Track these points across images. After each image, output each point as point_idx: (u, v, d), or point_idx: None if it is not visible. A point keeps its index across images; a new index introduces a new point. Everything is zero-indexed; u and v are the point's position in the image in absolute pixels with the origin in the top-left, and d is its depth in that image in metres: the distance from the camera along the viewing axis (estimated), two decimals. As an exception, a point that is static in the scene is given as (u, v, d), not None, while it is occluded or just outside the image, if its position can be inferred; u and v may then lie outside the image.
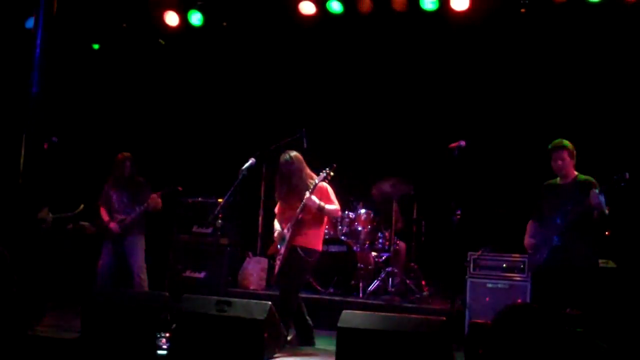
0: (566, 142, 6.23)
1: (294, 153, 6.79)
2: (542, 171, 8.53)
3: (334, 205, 6.67)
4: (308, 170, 6.74)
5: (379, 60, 9.66)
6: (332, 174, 6.53)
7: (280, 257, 6.64)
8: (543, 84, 8.89)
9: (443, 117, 9.37)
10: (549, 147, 6.26)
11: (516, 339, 2.38)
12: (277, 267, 6.68)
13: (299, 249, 6.56)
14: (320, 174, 6.52)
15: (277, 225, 6.87)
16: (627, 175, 5.78)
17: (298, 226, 6.57)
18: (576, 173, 6.27)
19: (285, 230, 6.64)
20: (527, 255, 7.35)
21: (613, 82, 8.47)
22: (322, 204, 6.53)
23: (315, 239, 6.65)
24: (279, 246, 6.74)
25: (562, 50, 8.69)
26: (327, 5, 8.83)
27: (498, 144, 9.12)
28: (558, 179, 6.34)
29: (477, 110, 9.28)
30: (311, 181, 6.60)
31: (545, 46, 8.71)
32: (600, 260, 6.72)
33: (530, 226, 6.50)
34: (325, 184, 6.62)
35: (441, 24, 8.74)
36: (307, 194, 6.47)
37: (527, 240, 6.44)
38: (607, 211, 5.93)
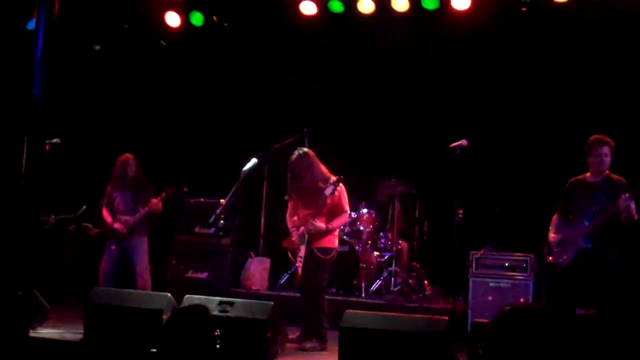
0: (609, 138, 6.02)
1: (305, 150, 6.76)
2: (543, 170, 8.57)
3: (340, 218, 6.72)
4: (322, 168, 6.70)
5: (382, 59, 9.65)
6: (338, 187, 6.52)
7: (300, 259, 6.65)
8: (544, 83, 8.87)
9: (445, 117, 9.36)
10: (592, 141, 6.03)
11: (517, 340, 2.36)
12: (299, 270, 6.68)
13: (315, 250, 6.60)
14: (328, 188, 6.48)
15: (289, 221, 6.86)
16: None
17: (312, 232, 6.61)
18: (608, 171, 6.06)
19: (303, 231, 6.63)
20: (528, 255, 7.40)
21: (616, 81, 8.45)
22: (328, 225, 6.59)
23: (330, 238, 6.69)
24: (297, 249, 6.73)
25: (563, 49, 8.67)
26: (329, 4, 8.82)
27: (500, 143, 9.11)
28: (588, 174, 6.13)
29: (479, 109, 9.27)
30: (322, 185, 6.56)
31: (546, 45, 8.70)
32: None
33: (555, 222, 6.30)
34: (338, 188, 6.60)
35: (442, 23, 8.73)
36: (311, 223, 6.51)
37: (552, 236, 6.22)
38: (636, 217, 5.78)
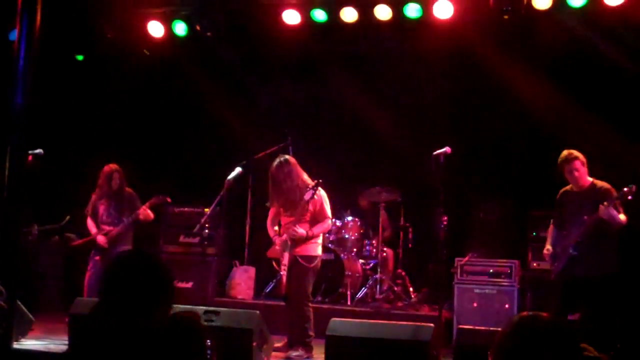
0: (576, 152, 6.26)
1: (286, 157, 6.77)
2: (529, 178, 8.62)
3: (322, 224, 6.70)
4: (302, 176, 6.69)
5: (365, 67, 9.69)
6: (318, 193, 6.54)
7: (284, 267, 6.65)
8: (526, 90, 8.92)
9: (428, 124, 9.40)
10: (561, 159, 6.28)
11: (528, 349, 2.37)
12: (284, 278, 6.68)
13: (298, 258, 6.59)
14: (308, 192, 6.50)
15: (270, 229, 6.86)
16: (635, 187, 5.86)
17: (295, 239, 6.60)
18: (591, 180, 6.29)
19: (286, 238, 6.63)
20: (513, 261, 7.49)
21: (598, 87, 8.51)
22: (309, 232, 6.58)
23: (313, 246, 6.68)
24: (281, 256, 6.73)
25: (545, 57, 8.73)
26: (311, 14, 8.83)
27: (483, 151, 9.15)
28: (573, 186, 6.36)
29: (463, 116, 9.32)
30: (302, 192, 6.57)
31: (528, 53, 8.75)
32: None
33: (551, 232, 6.56)
34: (319, 194, 6.61)
35: (425, 32, 8.77)
36: (292, 230, 6.51)
37: (546, 248, 6.46)
38: (623, 220, 6.00)
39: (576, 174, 6.22)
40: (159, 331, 2.60)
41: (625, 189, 5.90)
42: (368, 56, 9.60)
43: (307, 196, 6.46)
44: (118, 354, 2.61)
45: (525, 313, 2.48)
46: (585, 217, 6.09)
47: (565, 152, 6.30)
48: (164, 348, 2.59)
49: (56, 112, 9.77)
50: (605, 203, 5.91)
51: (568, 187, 6.42)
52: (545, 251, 6.46)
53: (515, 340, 2.38)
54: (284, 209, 6.74)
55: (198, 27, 9.25)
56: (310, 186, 6.51)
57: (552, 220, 6.60)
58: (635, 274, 7.35)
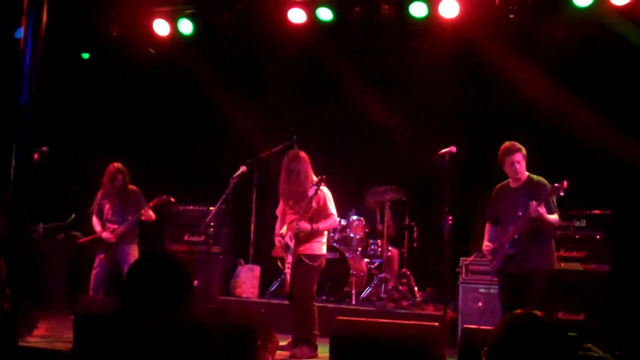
0: (518, 144, 6.14)
1: (300, 152, 6.80)
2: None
3: (327, 221, 6.71)
4: (311, 175, 6.70)
5: (371, 66, 9.68)
6: (320, 189, 6.55)
7: (288, 265, 6.66)
8: (532, 89, 8.90)
9: (434, 123, 9.38)
10: (503, 150, 6.16)
11: (521, 348, 2.37)
12: (288, 277, 6.69)
13: (303, 257, 6.61)
14: (311, 189, 6.51)
15: (278, 227, 6.86)
16: (566, 183, 5.77)
17: (299, 236, 6.60)
18: (527, 174, 6.18)
19: (288, 239, 6.63)
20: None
21: (603, 86, 8.49)
22: (314, 226, 6.58)
23: (317, 245, 6.69)
24: (285, 256, 6.74)
25: (551, 55, 8.71)
26: (317, 12, 8.83)
27: (489, 150, 9.12)
28: (510, 181, 6.26)
29: (467, 115, 9.30)
30: (308, 188, 6.58)
31: (534, 51, 8.74)
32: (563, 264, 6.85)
33: (487, 230, 6.43)
34: (323, 191, 6.61)
35: (431, 31, 8.77)
36: (297, 224, 6.52)
37: (484, 245, 6.35)
38: (552, 218, 5.91)
39: (517, 166, 6.09)
40: (178, 330, 2.65)
41: (556, 185, 5.81)
42: (373, 55, 9.59)
43: (310, 192, 6.48)
44: (139, 352, 2.65)
45: (518, 311, 2.46)
46: (520, 213, 5.97)
47: (507, 143, 6.16)
48: (178, 347, 2.64)
49: (62, 110, 9.79)
50: (534, 202, 5.81)
51: (504, 183, 6.31)
52: (484, 247, 6.33)
53: (508, 339, 2.37)
54: (290, 204, 6.74)
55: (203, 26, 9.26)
56: (314, 182, 6.53)
57: (486, 218, 6.45)
58: (636, 272, 7.34)
